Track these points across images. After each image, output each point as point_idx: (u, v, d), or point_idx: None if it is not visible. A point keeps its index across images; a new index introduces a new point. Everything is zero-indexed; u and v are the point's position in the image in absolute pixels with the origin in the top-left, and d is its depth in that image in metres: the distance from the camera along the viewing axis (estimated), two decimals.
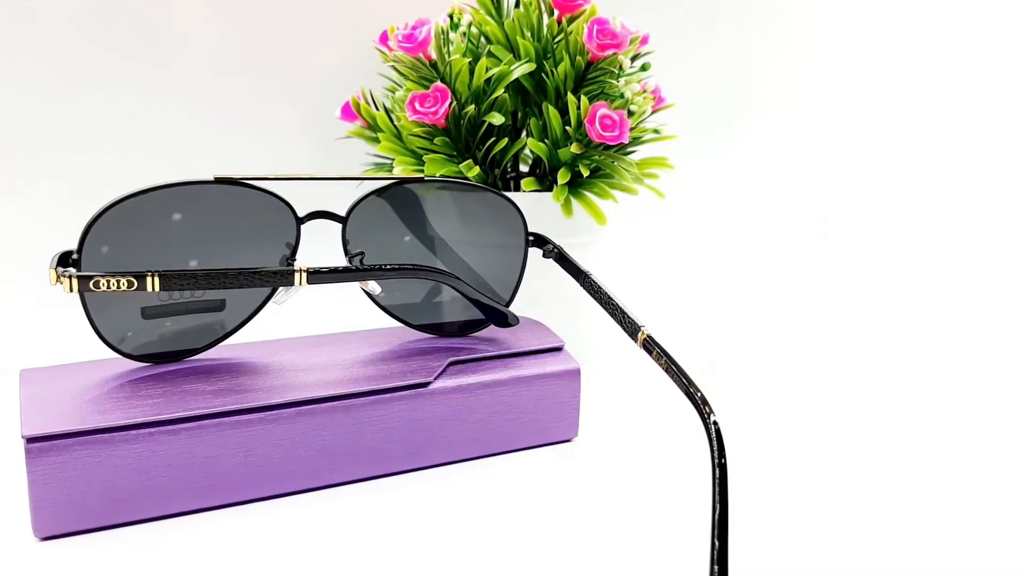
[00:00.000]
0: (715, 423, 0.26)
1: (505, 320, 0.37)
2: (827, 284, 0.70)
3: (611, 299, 0.33)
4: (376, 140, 0.47)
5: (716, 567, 0.22)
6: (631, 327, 0.31)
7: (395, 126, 0.46)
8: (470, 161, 0.43)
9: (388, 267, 0.32)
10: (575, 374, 0.36)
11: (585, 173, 0.43)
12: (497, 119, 0.43)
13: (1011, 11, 0.74)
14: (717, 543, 0.23)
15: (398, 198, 0.35)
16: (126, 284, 0.27)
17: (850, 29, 0.74)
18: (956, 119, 0.76)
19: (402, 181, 0.35)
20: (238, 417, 0.29)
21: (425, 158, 0.43)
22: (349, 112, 0.49)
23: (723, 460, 0.24)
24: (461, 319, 0.38)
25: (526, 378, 0.35)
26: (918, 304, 0.67)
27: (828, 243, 0.75)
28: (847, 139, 0.75)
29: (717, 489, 0.24)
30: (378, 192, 0.35)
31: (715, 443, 0.25)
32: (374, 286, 0.34)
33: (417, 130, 0.44)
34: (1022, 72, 0.75)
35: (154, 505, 0.28)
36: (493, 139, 0.44)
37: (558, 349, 0.37)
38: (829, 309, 0.65)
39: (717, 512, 0.23)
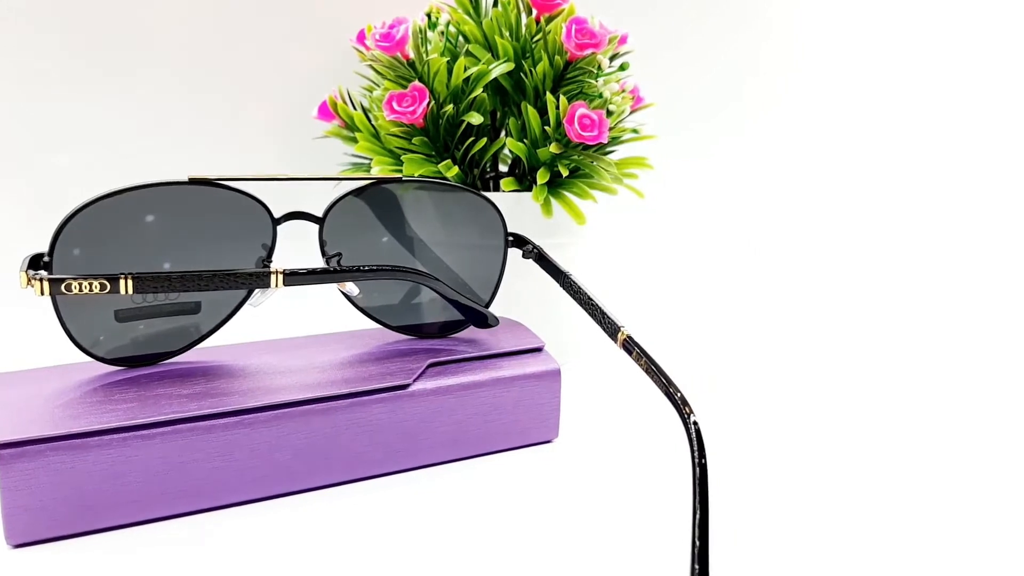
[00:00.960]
0: (695, 423, 0.26)
1: (485, 321, 0.37)
2: (809, 283, 0.71)
3: (591, 299, 0.33)
4: (353, 140, 0.46)
5: (697, 566, 0.22)
6: (611, 327, 0.31)
7: (373, 126, 0.46)
8: (449, 161, 0.43)
9: (366, 268, 0.32)
10: (555, 375, 0.36)
11: (564, 173, 0.43)
12: (476, 119, 0.42)
13: (997, 7, 0.75)
14: (698, 543, 0.23)
15: (376, 198, 0.35)
16: (99, 287, 0.27)
17: (829, 28, 0.74)
18: (940, 115, 0.77)
19: (380, 181, 0.35)
20: (214, 421, 0.29)
21: (403, 158, 0.43)
22: (326, 111, 0.48)
23: (703, 460, 0.25)
24: (440, 320, 0.37)
25: (506, 379, 0.35)
26: (905, 301, 0.68)
27: (814, 242, 0.75)
28: (827, 138, 0.76)
29: (697, 489, 0.24)
30: (356, 192, 0.34)
31: (695, 443, 0.25)
32: (352, 287, 0.34)
33: (395, 130, 0.44)
34: (1011, 68, 0.76)
35: (128, 511, 0.28)
36: (472, 139, 0.44)
37: (538, 350, 0.37)
38: (810, 309, 0.66)
39: (697, 512, 0.23)
